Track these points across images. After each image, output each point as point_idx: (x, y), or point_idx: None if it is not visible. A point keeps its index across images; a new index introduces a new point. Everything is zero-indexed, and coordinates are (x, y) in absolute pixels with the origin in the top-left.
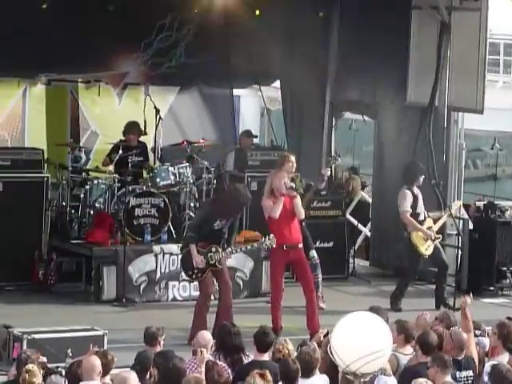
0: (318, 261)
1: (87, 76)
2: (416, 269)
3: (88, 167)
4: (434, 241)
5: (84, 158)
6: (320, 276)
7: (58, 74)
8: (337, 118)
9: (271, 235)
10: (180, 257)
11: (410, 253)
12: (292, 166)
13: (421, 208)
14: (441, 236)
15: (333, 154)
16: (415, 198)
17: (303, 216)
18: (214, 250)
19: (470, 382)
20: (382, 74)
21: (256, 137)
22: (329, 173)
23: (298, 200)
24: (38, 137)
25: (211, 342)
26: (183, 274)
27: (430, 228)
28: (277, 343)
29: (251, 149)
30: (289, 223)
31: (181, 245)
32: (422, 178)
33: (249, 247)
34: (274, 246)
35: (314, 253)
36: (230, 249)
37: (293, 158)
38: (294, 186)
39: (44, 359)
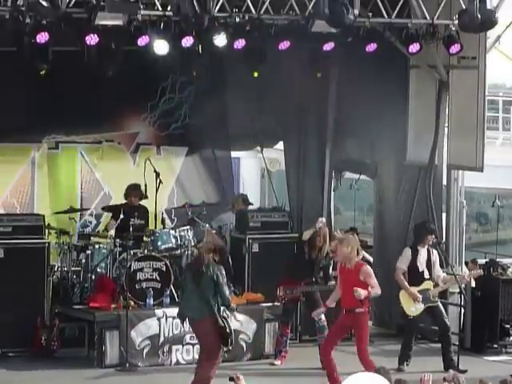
0: (324, 323)
1: (98, 137)
2: (412, 328)
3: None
4: (429, 303)
5: (94, 222)
6: None
7: (67, 136)
8: (338, 179)
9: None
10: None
11: (403, 312)
12: None
13: (424, 266)
14: (438, 300)
15: None
16: (416, 256)
17: None
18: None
19: None
20: (381, 132)
21: (252, 204)
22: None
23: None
24: (47, 203)
25: None
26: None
27: (427, 290)
28: None
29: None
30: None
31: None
32: (429, 237)
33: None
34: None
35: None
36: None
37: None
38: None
39: None
